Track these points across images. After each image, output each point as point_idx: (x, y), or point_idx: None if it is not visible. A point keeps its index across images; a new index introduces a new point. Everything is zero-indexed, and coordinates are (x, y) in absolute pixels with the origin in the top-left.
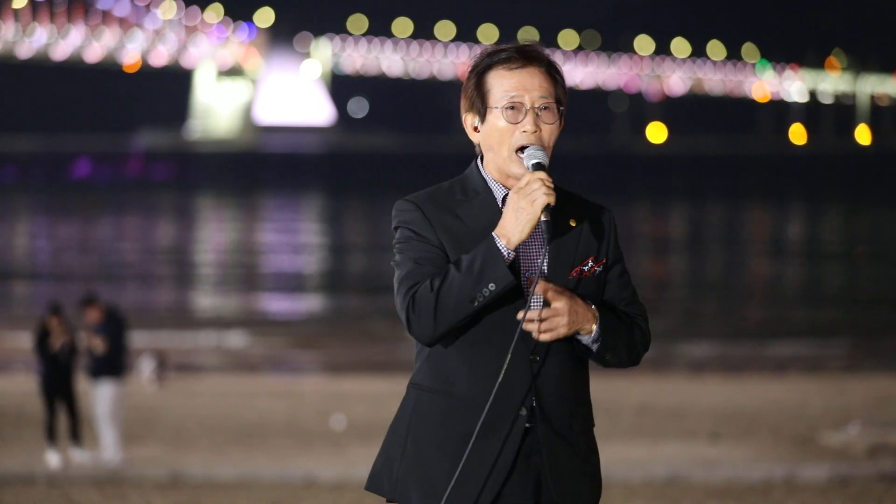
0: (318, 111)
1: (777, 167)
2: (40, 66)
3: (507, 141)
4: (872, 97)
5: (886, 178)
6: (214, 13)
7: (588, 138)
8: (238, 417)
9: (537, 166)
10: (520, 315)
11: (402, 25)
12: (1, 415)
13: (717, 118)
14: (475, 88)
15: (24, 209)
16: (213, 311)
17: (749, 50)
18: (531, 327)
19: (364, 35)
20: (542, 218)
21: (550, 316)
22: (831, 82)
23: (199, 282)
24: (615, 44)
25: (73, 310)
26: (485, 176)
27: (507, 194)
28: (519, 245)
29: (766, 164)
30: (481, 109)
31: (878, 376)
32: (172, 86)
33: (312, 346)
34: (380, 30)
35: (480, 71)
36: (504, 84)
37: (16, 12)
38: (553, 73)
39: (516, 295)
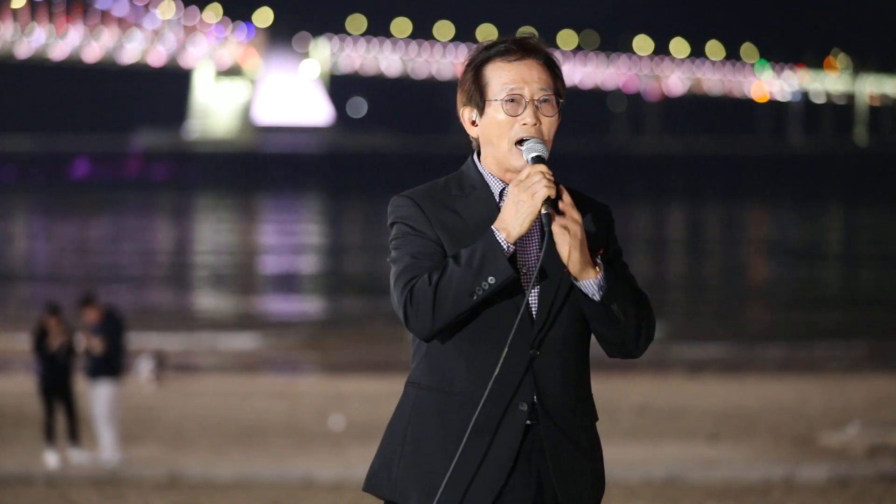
0: (316, 111)
1: (776, 167)
2: (39, 66)
3: (507, 134)
4: (871, 97)
5: (886, 177)
6: (213, 13)
7: (587, 138)
8: (237, 418)
9: (537, 159)
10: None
11: (401, 25)
12: None
13: (715, 118)
14: (473, 81)
15: (22, 209)
16: (212, 311)
17: (748, 50)
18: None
19: (363, 35)
20: (542, 211)
21: (569, 219)
22: (830, 82)
23: (198, 282)
24: (614, 44)
25: (72, 310)
26: (481, 171)
27: (504, 189)
28: (517, 239)
29: (764, 164)
30: (479, 103)
31: (878, 376)
32: (171, 86)
33: (311, 347)
34: (378, 30)
35: (478, 64)
36: (503, 76)
37: (14, 12)
38: (551, 66)
39: (515, 289)
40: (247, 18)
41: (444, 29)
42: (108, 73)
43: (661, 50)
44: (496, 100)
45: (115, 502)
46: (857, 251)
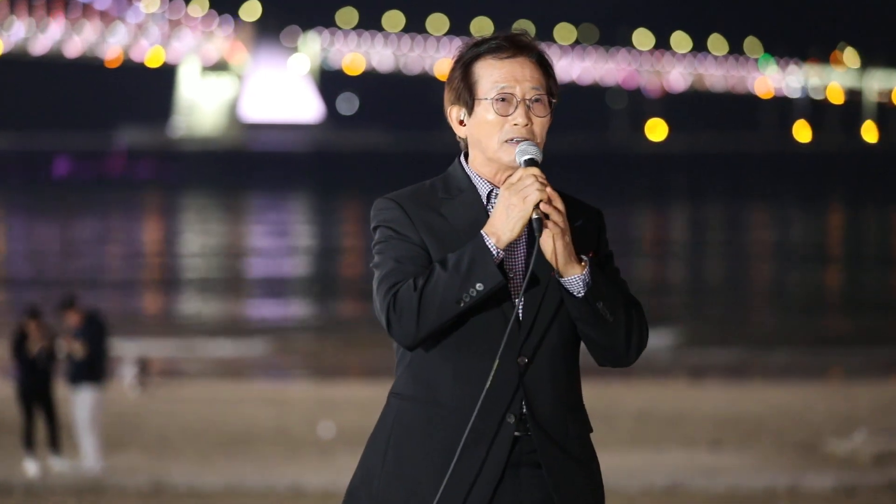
0: (306, 108)
1: (780, 166)
2: (18, 61)
3: (496, 135)
4: (879, 93)
5: (894, 176)
6: (199, 6)
7: (585, 136)
8: (223, 425)
9: (530, 162)
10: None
11: (393, 19)
12: None
13: (718, 115)
14: (462, 79)
15: (0, 209)
16: (197, 314)
17: (752, 44)
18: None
19: (354, 29)
20: (534, 216)
21: (551, 209)
22: (837, 78)
23: (183, 284)
24: (613, 38)
25: (52, 313)
26: (469, 173)
27: (492, 191)
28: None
29: (769, 162)
30: (468, 101)
31: (885, 382)
32: (155, 81)
33: (300, 351)
34: (370, 23)
35: (467, 61)
36: (493, 74)
37: None
38: (544, 65)
39: (502, 296)
40: (234, 12)
41: (437, 22)
42: (90, 69)
43: (662, 44)
44: (486, 99)
45: None
46: (864, 253)
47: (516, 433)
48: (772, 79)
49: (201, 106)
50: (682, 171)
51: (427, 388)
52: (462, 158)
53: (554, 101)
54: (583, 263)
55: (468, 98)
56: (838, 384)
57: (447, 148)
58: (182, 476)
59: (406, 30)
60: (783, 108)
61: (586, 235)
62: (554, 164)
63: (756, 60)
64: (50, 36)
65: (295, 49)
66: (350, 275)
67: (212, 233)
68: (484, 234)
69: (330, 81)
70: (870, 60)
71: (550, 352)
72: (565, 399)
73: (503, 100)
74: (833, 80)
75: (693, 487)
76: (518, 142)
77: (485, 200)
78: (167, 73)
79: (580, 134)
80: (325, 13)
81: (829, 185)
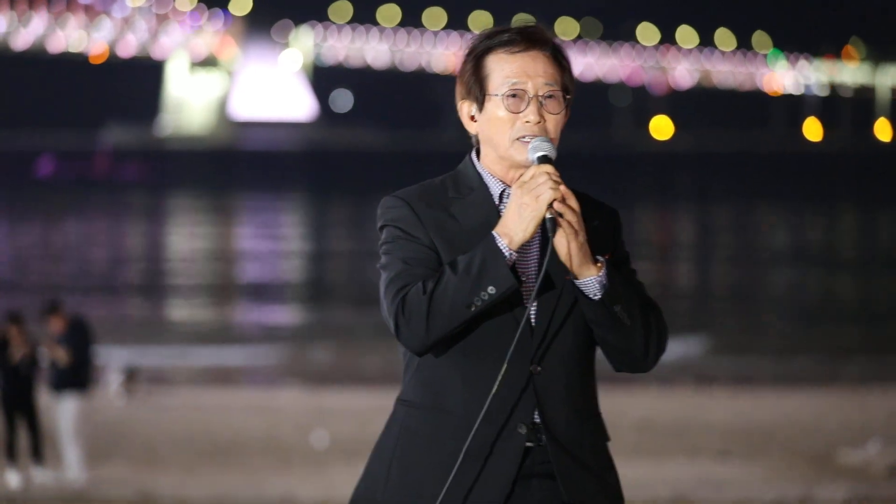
0: (298, 105)
1: (790, 165)
2: None
3: (508, 132)
4: (893, 89)
5: None
6: (187, 0)
7: (588, 134)
8: (212, 434)
9: (543, 159)
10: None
11: (389, 13)
12: None
13: (726, 113)
14: (472, 73)
15: None
16: (186, 320)
17: (761, 39)
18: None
19: (348, 23)
20: (547, 215)
21: (565, 208)
22: (849, 74)
23: (171, 289)
24: (617, 33)
25: (35, 319)
26: (480, 171)
27: (504, 190)
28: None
29: (778, 161)
30: (479, 97)
31: None
32: (142, 78)
33: (292, 358)
34: (365, 18)
35: (478, 54)
36: (505, 69)
37: None
38: (559, 58)
39: (515, 300)
40: (223, 6)
41: (434, 16)
42: (75, 65)
43: (668, 39)
44: (497, 94)
45: None
46: (877, 257)
47: (528, 444)
48: (781, 75)
49: (190, 103)
50: (687, 171)
51: (435, 396)
52: (473, 155)
53: (569, 96)
54: (599, 265)
55: (479, 93)
56: (851, 392)
57: (445, 147)
58: (169, 487)
59: (402, 24)
60: (793, 106)
61: (602, 236)
62: (556, 162)
63: (765, 56)
64: (32, 30)
65: (287, 44)
66: (343, 278)
67: (201, 236)
68: (495, 235)
69: (323, 78)
70: (883, 55)
71: (565, 358)
72: (580, 407)
73: (514, 96)
74: (845, 76)
75: (699, 500)
76: (530, 140)
77: (497, 200)
78: (154, 70)
79: (582, 132)
80: (319, 7)
81: (841, 185)
